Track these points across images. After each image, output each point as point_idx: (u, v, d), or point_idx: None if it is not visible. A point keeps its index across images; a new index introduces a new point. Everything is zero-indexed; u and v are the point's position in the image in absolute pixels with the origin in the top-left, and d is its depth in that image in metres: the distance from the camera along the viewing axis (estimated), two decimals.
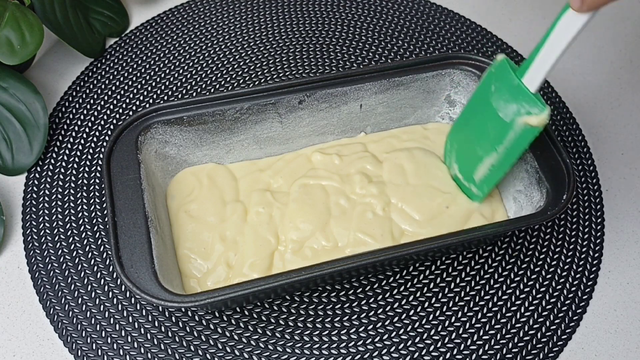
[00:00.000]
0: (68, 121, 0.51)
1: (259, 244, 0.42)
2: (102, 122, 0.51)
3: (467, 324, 0.42)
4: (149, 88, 0.53)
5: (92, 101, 0.52)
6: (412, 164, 0.46)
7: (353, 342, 0.41)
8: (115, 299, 0.42)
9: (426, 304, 0.42)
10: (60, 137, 0.50)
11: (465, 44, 0.58)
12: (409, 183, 0.45)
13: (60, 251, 0.44)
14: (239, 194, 0.45)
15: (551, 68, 0.36)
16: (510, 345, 0.41)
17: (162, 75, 0.54)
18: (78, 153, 0.49)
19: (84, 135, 0.50)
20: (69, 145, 0.49)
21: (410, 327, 0.41)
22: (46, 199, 0.46)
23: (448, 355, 0.40)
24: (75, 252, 0.44)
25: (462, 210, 0.44)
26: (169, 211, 0.44)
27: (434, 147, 0.48)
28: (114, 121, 0.51)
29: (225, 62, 0.55)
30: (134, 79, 0.54)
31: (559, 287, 0.43)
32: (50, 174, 0.48)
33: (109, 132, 0.50)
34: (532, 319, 0.42)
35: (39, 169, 0.48)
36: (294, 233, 0.42)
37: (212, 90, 0.53)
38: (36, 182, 0.47)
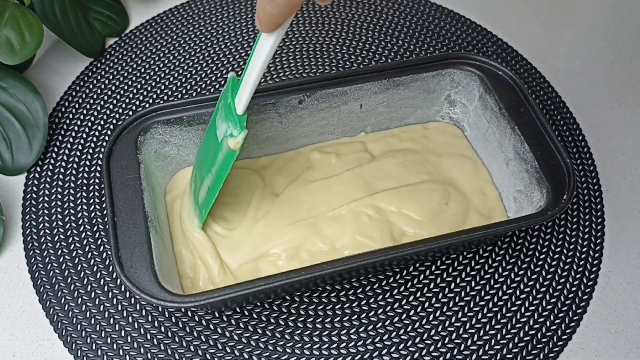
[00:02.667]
0: (68, 121, 0.51)
1: (252, 248, 0.42)
2: (102, 122, 0.51)
3: (468, 324, 0.42)
4: (149, 88, 0.53)
5: (91, 101, 0.52)
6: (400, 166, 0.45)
7: (353, 343, 0.41)
8: (115, 299, 0.42)
9: (426, 304, 0.42)
10: (60, 137, 0.50)
11: (465, 44, 0.58)
12: (402, 184, 0.45)
13: (60, 251, 0.44)
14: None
15: (252, 90, 0.35)
16: (510, 345, 0.41)
17: (162, 75, 0.54)
18: (78, 153, 0.49)
19: (84, 135, 0.50)
20: (69, 145, 0.49)
21: (410, 327, 0.41)
22: (46, 199, 0.46)
23: (448, 355, 0.40)
24: (75, 252, 0.44)
25: (461, 206, 0.44)
26: (168, 210, 0.44)
27: (434, 147, 0.48)
28: (114, 121, 0.51)
29: (225, 62, 0.55)
30: (134, 78, 0.54)
31: (559, 287, 0.43)
32: (50, 174, 0.48)
33: (109, 132, 0.50)
34: (533, 319, 0.42)
35: (38, 169, 0.48)
36: (285, 242, 0.42)
37: (212, 90, 0.53)
38: (36, 182, 0.47)
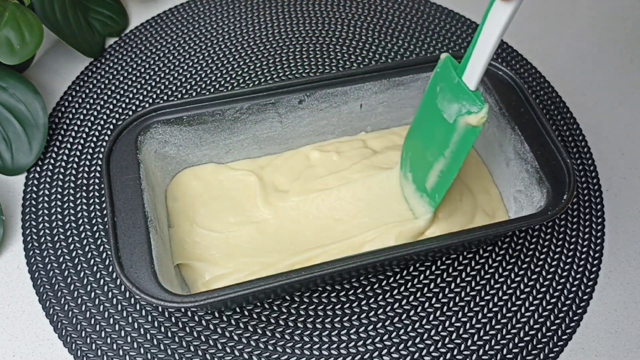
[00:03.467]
0: (68, 121, 0.51)
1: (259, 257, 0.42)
2: (102, 122, 0.51)
3: (468, 324, 0.42)
4: (149, 88, 0.53)
5: (91, 101, 0.52)
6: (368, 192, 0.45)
7: (353, 343, 0.41)
8: (115, 299, 0.42)
9: (426, 305, 0.42)
10: (60, 137, 0.50)
11: (465, 44, 0.58)
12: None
13: (59, 251, 0.44)
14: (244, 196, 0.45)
15: (486, 62, 0.34)
16: (510, 345, 0.41)
17: (162, 75, 0.54)
18: (77, 153, 0.49)
19: (84, 135, 0.50)
20: (69, 145, 0.49)
21: (410, 327, 0.41)
22: (46, 198, 0.46)
23: (448, 355, 0.40)
24: (74, 252, 0.44)
25: (471, 203, 0.44)
26: (169, 212, 0.44)
27: None
28: (114, 121, 0.51)
29: (225, 62, 0.55)
30: (134, 78, 0.54)
31: (560, 287, 0.43)
32: (49, 173, 0.48)
33: (109, 132, 0.50)
34: (533, 319, 0.42)
35: (38, 168, 0.48)
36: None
37: (212, 90, 0.53)
38: (36, 182, 0.47)
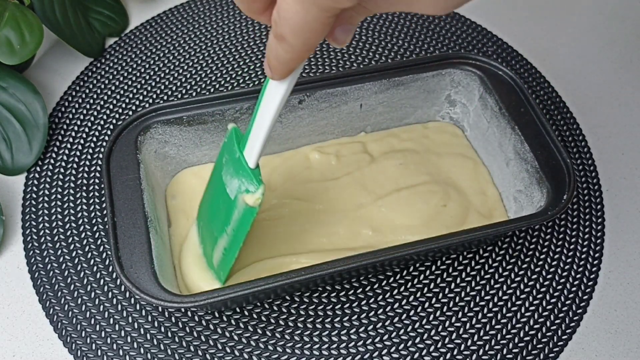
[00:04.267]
0: (68, 121, 0.51)
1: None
2: (102, 122, 0.51)
3: (468, 325, 0.42)
4: (149, 88, 0.53)
5: (91, 101, 0.52)
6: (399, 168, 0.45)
7: (353, 343, 0.41)
8: (115, 299, 0.42)
9: (426, 305, 0.42)
10: (60, 137, 0.50)
11: (465, 44, 0.58)
12: (400, 187, 0.44)
13: (59, 251, 0.44)
14: None
15: (264, 141, 0.32)
16: (510, 345, 0.41)
17: (162, 75, 0.54)
18: (77, 153, 0.49)
19: (84, 135, 0.50)
20: (69, 145, 0.49)
21: (410, 327, 0.41)
22: (46, 198, 0.46)
23: (448, 355, 0.40)
24: (74, 252, 0.44)
25: (460, 206, 0.44)
26: (169, 211, 0.44)
27: (435, 146, 0.48)
28: (114, 121, 0.51)
29: (225, 62, 0.55)
30: (134, 78, 0.54)
31: (560, 287, 0.43)
32: (49, 173, 0.48)
33: (109, 132, 0.50)
34: (533, 319, 0.42)
35: (38, 168, 0.48)
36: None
37: (212, 90, 0.53)
38: (36, 182, 0.47)
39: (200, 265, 0.40)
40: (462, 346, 0.41)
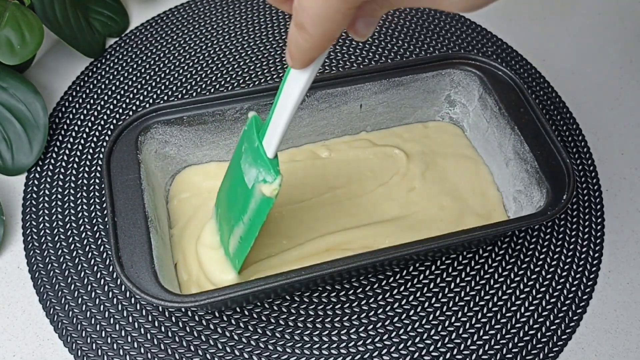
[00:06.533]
0: (68, 121, 0.51)
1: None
2: (102, 122, 0.51)
3: (467, 324, 0.42)
4: (149, 88, 0.53)
5: (92, 101, 0.52)
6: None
7: (353, 342, 0.41)
8: (115, 299, 0.42)
9: (426, 304, 0.42)
10: (60, 137, 0.50)
11: (465, 44, 0.58)
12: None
13: (60, 251, 0.44)
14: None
15: (283, 132, 0.31)
16: (510, 345, 0.41)
17: (162, 75, 0.54)
18: (78, 153, 0.49)
19: (84, 135, 0.50)
20: (69, 145, 0.49)
21: (410, 327, 0.41)
22: (46, 199, 0.46)
23: (448, 355, 0.40)
24: (75, 252, 0.44)
25: (454, 210, 0.44)
26: (170, 211, 0.44)
27: (436, 146, 0.48)
28: (114, 121, 0.51)
29: (225, 62, 0.55)
30: (134, 79, 0.54)
31: (559, 287, 0.43)
32: (50, 174, 0.48)
33: (109, 132, 0.50)
34: (532, 319, 0.42)
35: (38, 169, 0.48)
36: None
37: (212, 90, 0.53)
38: (36, 182, 0.47)
39: (220, 259, 0.40)
40: (462, 346, 0.41)
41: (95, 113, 0.51)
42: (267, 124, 0.32)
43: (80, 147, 0.49)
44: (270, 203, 0.33)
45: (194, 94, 0.53)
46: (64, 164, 0.48)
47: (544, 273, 0.44)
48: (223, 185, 0.39)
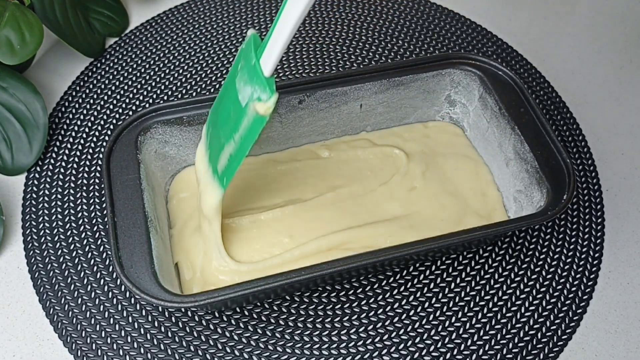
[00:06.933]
0: (68, 121, 0.51)
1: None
2: (102, 122, 0.51)
3: (467, 324, 0.42)
4: (149, 88, 0.53)
5: (91, 101, 0.52)
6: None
7: (353, 343, 0.41)
8: (115, 299, 0.42)
9: (426, 304, 0.42)
10: (60, 137, 0.50)
11: (465, 44, 0.58)
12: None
13: (60, 251, 0.44)
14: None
15: (282, 49, 0.31)
16: (510, 345, 0.41)
17: (162, 75, 0.54)
18: (78, 153, 0.49)
19: (84, 135, 0.50)
20: (69, 145, 0.49)
21: (410, 327, 0.41)
22: (46, 199, 0.46)
23: (448, 355, 0.40)
24: (75, 252, 0.44)
25: (456, 210, 0.44)
26: (170, 210, 0.44)
27: (436, 146, 0.48)
28: (114, 121, 0.51)
29: (225, 62, 0.55)
30: (134, 78, 0.54)
31: (559, 287, 0.43)
32: (50, 173, 0.48)
33: (109, 132, 0.50)
34: (532, 319, 0.42)
35: (38, 168, 0.48)
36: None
37: (212, 90, 0.53)
38: (36, 182, 0.47)
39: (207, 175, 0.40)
40: (462, 346, 0.41)
41: (95, 113, 0.51)
42: (266, 42, 0.32)
43: (80, 147, 0.49)
44: (263, 122, 0.33)
45: (194, 94, 0.53)
46: (63, 163, 0.48)
47: (544, 273, 0.44)
48: (215, 104, 0.39)
